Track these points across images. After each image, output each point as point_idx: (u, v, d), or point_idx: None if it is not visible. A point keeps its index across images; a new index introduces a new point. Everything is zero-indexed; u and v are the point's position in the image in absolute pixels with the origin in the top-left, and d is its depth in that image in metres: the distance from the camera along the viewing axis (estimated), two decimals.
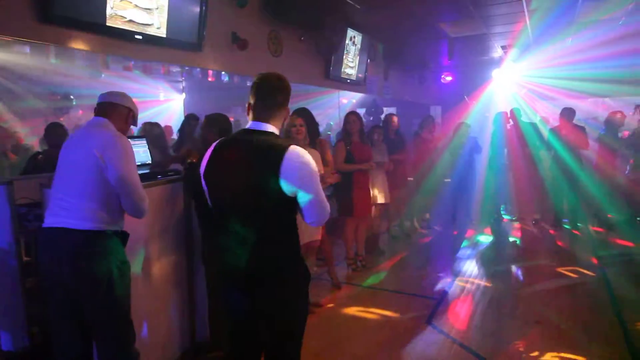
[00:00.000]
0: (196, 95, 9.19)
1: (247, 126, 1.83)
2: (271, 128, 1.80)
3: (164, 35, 3.30)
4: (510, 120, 6.19)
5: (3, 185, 2.44)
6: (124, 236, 2.08)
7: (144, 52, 3.33)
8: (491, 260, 4.91)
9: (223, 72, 6.49)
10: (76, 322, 1.96)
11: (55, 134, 3.79)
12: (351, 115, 4.55)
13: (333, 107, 9.48)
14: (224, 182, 1.79)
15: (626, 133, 6.36)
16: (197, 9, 3.54)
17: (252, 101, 1.82)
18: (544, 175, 5.83)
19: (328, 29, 5.14)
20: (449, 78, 9.10)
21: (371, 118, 8.80)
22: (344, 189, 4.30)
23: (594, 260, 4.77)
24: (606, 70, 7.34)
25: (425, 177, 5.77)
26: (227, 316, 1.92)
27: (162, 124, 6.08)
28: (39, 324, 2.51)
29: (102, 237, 1.92)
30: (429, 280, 4.30)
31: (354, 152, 4.34)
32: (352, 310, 3.67)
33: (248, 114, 1.85)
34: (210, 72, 6.83)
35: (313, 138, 3.61)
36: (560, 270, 4.54)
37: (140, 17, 3.08)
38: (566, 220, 6.13)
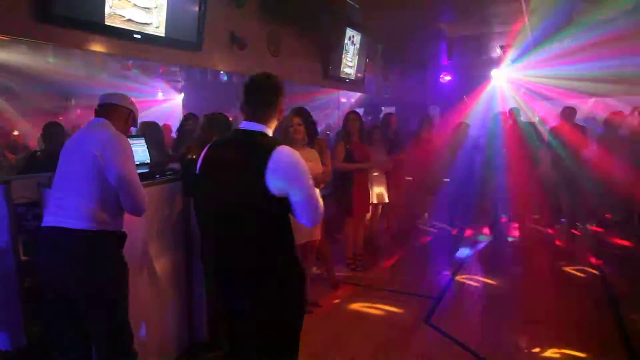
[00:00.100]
0: (195, 95, 9.18)
1: (239, 126, 1.85)
2: (262, 128, 1.80)
3: (163, 35, 3.29)
4: (509, 120, 6.20)
5: (1, 184, 2.44)
6: (121, 237, 2.07)
7: (142, 52, 3.32)
8: (490, 260, 4.91)
9: (222, 72, 6.48)
10: (74, 322, 1.96)
11: (53, 133, 3.78)
12: (351, 115, 4.56)
13: (332, 107, 9.48)
14: (215, 182, 1.82)
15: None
16: (196, 9, 3.53)
17: (243, 101, 1.84)
18: (542, 174, 5.84)
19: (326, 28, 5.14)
20: (447, 78, 9.10)
21: (370, 118, 8.80)
22: (343, 189, 4.30)
23: (593, 260, 4.78)
24: (604, 70, 7.35)
25: (424, 176, 5.77)
26: (224, 315, 1.93)
27: (161, 123, 6.08)
28: (36, 323, 2.50)
29: (99, 238, 1.92)
30: (428, 280, 4.31)
31: (354, 152, 4.34)
32: (351, 310, 3.67)
33: (242, 115, 1.87)
34: (209, 71, 6.83)
35: (311, 137, 3.61)
36: (559, 269, 4.55)
37: (139, 16, 3.07)
38: (564, 220, 6.14)
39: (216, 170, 1.82)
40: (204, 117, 3.08)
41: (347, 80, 6.17)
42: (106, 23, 2.84)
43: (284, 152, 1.70)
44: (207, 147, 1.89)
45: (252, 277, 1.76)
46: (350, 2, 4.99)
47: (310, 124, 3.62)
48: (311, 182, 1.75)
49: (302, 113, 3.58)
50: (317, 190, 3.33)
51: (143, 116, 2.69)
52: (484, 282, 4.25)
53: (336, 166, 4.29)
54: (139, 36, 3.10)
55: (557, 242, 5.56)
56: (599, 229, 5.90)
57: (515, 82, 8.95)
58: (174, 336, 2.83)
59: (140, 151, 3.00)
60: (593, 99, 8.55)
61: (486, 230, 6.07)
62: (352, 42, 5.96)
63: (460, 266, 4.70)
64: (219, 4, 3.88)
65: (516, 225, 6.26)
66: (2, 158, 5.10)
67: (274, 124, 1.86)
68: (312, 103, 7.70)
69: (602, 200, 5.71)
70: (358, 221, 4.52)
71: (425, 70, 8.62)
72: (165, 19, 3.28)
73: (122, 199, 1.96)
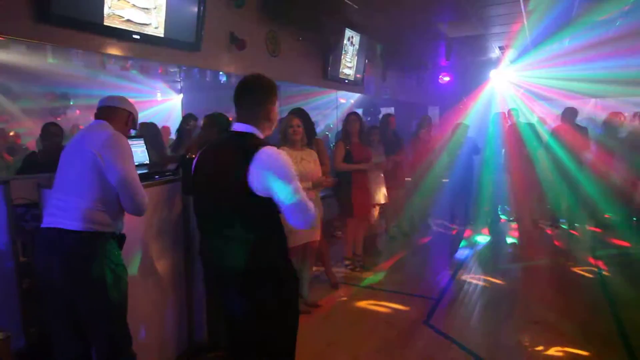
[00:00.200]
0: (194, 95, 9.18)
1: (231, 128, 1.88)
2: (250, 129, 1.81)
3: (162, 35, 3.29)
4: (508, 120, 6.21)
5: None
6: (121, 238, 2.07)
7: (141, 52, 3.32)
8: (489, 261, 4.92)
9: (221, 72, 6.48)
10: (73, 323, 1.95)
11: (51, 134, 3.78)
12: (351, 116, 4.56)
13: (331, 108, 9.48)
14: (205, 183, 1.85)
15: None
16: (195, 9, 3.53)
17: (234, 103, 1.86)
18: (541, 175, 5.85)
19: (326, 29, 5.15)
20: (446, 78, 9.12)
21: (369, 118, 8.81)
22: (344, 190, 4.30)
23: (591, 260, 4.78)
24: (603, 71, 7.37)
25: (423, 177, 5.78)
26: (221, 315, 1.95)
27: (160, 124, 6.07)
28: (35, 324, 2.49)
29: (97, 239, 1.91)
30: (427, 281, 4.31)
31: (353, 152, 4.35)
32: (350, 311, 3.66)
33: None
34: (208, 72, 6.83)
35: (310, 138, 3.61)
36: (558, 270, 4.56)
37: (138, 16, 3.07)
38: (563, 221, 6.15)
39: (206, 172, 1.85)
40: (205, 117, 3.08)
41: (346, 81, 6.17)
42: (105, 23, 2.84)
43: (267, 152, 1.70)
44: (201, 150, 1.92)
45: (241, 277, 1.77)
46: (350, 2, 4.99)
47: (309, 125, 3.63)
48: (297, 182, 1.72)
49: (301, 114, 3.59)
50: (311, 192, 3.35)
51: (142, 117, 2.69)
52: (483, 282, 4.25)
53: (336, 166, 4.30)
54: (138, 37, 3.10)
55: (556, 243, 5.57)
56: (598, 230, 5.91)
57: (514, 83, 8.98)
58: (174, 337, 2.82)
59: (139, 152, 2.99)
60: (593, 100, 8.57)
61: (485, 231, 6.08)
62: (351, 42, 5.97)
63: (459, 267, 4.70)
64: (218, 4, 3.88)
65: (515, 225, 6.27)
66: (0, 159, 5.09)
67: (265, 125, 1.85)
68: (311, 104, 7.71)
69: (601, 201, 5.71)
70: (358, 222, 4.52)
71: (424, 71, 8.63)
72: (165, 20, 3.28)
73: (122, 199, 1.95)
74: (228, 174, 1.74)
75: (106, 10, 2.82)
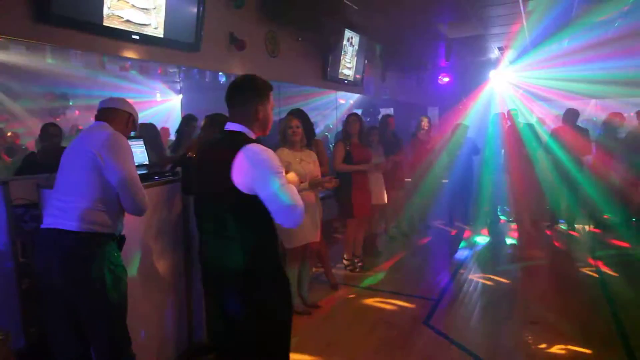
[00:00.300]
0: (194, 96, 9.16)
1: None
2: (240, 127, 1.82)
3: (162, 36, 3.29)
4: (508, 121, 6.21)
5: None
6: (120, 239, 2.07)
7: (141, 52, 3.31)
8: (488, 261, 4.92)
9: (220, 73, 6.48)
10: (72, 324, 1.95)
11: (50, 134, 3.77)
12: (351, 116, 4.57)
13: (330, 108, 9.48)
14: (199, 183, 1.89)
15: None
16: (195, 9, 3.53)
17: (226, 103, 1.89)
18: (540, 176, 5.85)
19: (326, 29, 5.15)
20: (446, 79, 9.12)
21: (368, 119, 8.81)
22: (344, 191, 4.30)
23: (591, 261, 4.79)
24: (602, 72, 7.38)
25: (423, 178, 5.78)
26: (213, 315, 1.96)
27: (159, 125, 6.06)
28: (35, 324, 2.49)
29: (96, 240, 1.91)
30: (427, 281, 4.31)
31: (353, 153, 4.35)
32: (350, 311, 3.66)
33: None
34: (208, 72, 6.82)
35: (309, 139, 3.61)
36: (558, 270, 4.56)
37: (138, 17, 3.07)
38: (563, 221, 6.15)
39: (199, 171, 1.88)
40: (205, 118, 3.09)
41: (346, 82, 6.17)
42: (105, 24, 2.83)
43: (251, 149, 1.71)
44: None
45: (231, 276, 1.79)
46: (349, 3, 4.99)
47: (308, 126, 3.63)
48: (283, 180, 1.70)
49: (300, 115, 3.58)
50: (310, 193, 3.34)
51: (141, 117, 2.68)
52: (483, 282, 4.25)
53: (336, 167, 4.29)
54: (137, 37, 3.09)
55: (556, 243, 5.57)
56: (597, 230, 5.92)
57: (514, 84, 8.98)
58: (173, 337, 2.82)
59: (138, 153, 2.99)
60: (593, 101, 8.59)
61: (485, 231, 6.08)
62: (351, 43, 5.97)
63: (459, 267, 4.70)
64: (218, 5, 3.88)
65: (514, 226, 6.28)
66: None
67: (255, 125, 1.85)
68: (310, 104, 7.70)
69: (600, 202, 5.72)
70: (358, 222, 4.52)
71: (423, 72, 8.64)
72: (164, 20, 3.28)
73: (122, 199, 1.95)
74: (215, 173, 1.76)
75: (105, 11, 2.82)
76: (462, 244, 5.58)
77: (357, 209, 4.34)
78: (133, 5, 3.01)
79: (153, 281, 2.63)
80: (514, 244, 5.65)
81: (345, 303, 3.83)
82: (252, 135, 1.83)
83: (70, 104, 7.54)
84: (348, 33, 5.80)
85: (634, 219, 5.81)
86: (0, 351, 2.16)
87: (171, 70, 7.61)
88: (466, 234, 5.99)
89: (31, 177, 2.64)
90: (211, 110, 3.16)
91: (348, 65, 6.07)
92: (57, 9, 2.55)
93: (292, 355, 2.91)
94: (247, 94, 1.85)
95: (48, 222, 1.93)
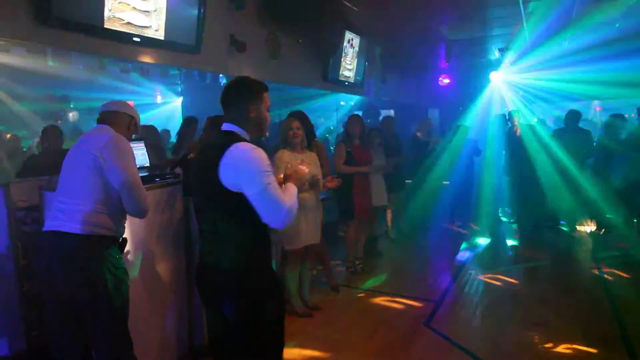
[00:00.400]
0: (194, 98, 9.17)
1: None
2: (233, 127, 1.84)
3: (162, 38, 3.29)
4: (508, 122, 6.21)
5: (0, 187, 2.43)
6: (122, 242, 2.07)
7: (142, 55, 3.32)
8: (490, 263, 4.91)
9: (221, 75, 6.49)
10: (74, 326, 1.94)
11: (51, 136, 3.78)
12: (353, 118, 4.57)
13: (331, 110, 9.49)
14: (194, 183, 1.92)
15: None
16: (195, 12, 3.54)
17: (221, 105, 1.92)
18: (542, 177, 5.85)
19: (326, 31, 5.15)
20: (446, 81, 9.12)
21: (368, 120, 8.82)
22: (345, 192, 4.30)
23: (592, 262, 4.78)
24: (603, 73, 7.37)
25: (424, 179, 5.78)
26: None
27: (160, 127, 6.05)
28: (36, 327, 2.49)
29: (98, 242, 1.90)
30: (428, 283, 4.30)
31: (354, 154, 4.34)
32: (351, 313, 3.66)
33: None
34: (209, 74, 6.83)
35: (309, 140, 3.61)
36: (559, 272, 4.55)
37: (138, 19, 3.07)
38: (564, 222, 6.14)
39: (195, 171, 1.92)
40: (207, 119, 3.09)
41: (346, 83, 6.17)
42: (105, 26, 2.84)
43: (238, 147, 1.72)
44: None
45: (219, 275, 1.81)
46: (350, 5, 5.00)
47: (308, 127, 3.63)
48: (269, 179, 1.70)
49: (300, 116, 3.58)
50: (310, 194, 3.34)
51: (142, 120, 2.69)
52: (484, 284, 4.25)
53: (337, 169, 4.29)
54: (138, 39, 3.10)
55: (557, 244, 5.56)
56: (599, 231, 5.91)
57: (514, 85, 8.98)
58: (174, 340, 2.81)
59: (139, 155, 2.99)
60: (595, 102, 8.59)
61: (486, 233, 6.07)
62: (351, 45, 5.97)
63: (460, 269, 4.69)
64: (218, 6, 3.88)
65: (515, 227, 6.27)
66: None
67: (248, 125, 1.85)
68: (311, 106, 7.70)
69: (602, 203, 5.71)
70: (359, 224, 4.51)
71: (424, 73, 8.64)
72: (165, 22, 3.28)
73: (124, 201, 1.95)
74: (205, 171, 1.79)
75: (106, 13, 2.82)
76: (463, 245, 5.57)
77: (358, 210, 4.34)
78: (134, 8, 3.02)
79: (154, 283, 2.62)
80: (515, 245, 5.64)
81: (346, 305, 3.83)
82: (245, 135, 1.84)
83: (71, 106, 7.55)
84: (348, 35, 5.80)
85: (635, 220, 5.80)
86: None
87: (172, 73, 7.62)
88: (467, 235, 5.98)
89: (32, 180, 2.64)
90: (211, 112, 3.17)
91: (348, 66, 6.07)
92: (57, 12, 2.55)
93: (293, 357, 2.91)
94: (239, 94, 1.88)
95: (50, 224, 1.93)
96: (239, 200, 1.71)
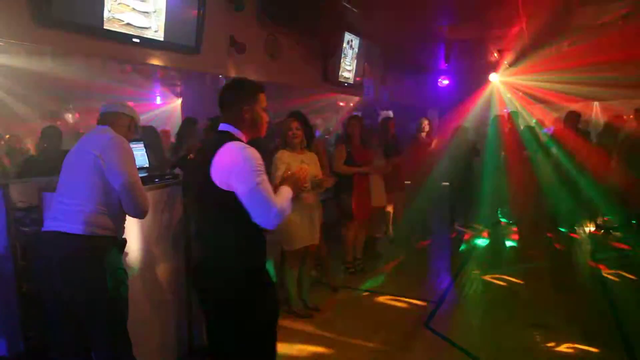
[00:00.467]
0: (193, 99, 9.17)
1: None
2: (228, 127, 1.85)
3: (162, 39, 3.30)
4: (508, 123, 6.21)
5: None
6: (122, 243, 2.06)
7: (141, 56, 3.32)
8: (489, 264, 4.91)
9: (220, 76, 6.49)
10: (72, 327, 1.94)
11: (50, 137, 3.78)
12: (353, 119, 4.57)
13: (330, 111, 9.49)
14: (192, 183, 1.99)
15: None
16: (195, 13, 3.54)
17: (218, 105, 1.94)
18: (541, 178, 5.85)
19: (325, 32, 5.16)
20: (445, 82, 9.13)
21: (367, 121, 8.81)
22: (344, 193, 4.29)
23: (591, 263, 4.78)
24: (602, 74, 7.38)
25: (423, 180, 5.77)
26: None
27: (159, 128, 6.04)
28: (34, 329, 2.48)
29: (97, 243, 1.90)
30: (427, 284, 4.30)
31: (354, 155, 4.34)
32: (350, 314, 3.65)
33: None
34: (208, 75, 6.82)
35: (308, 141, 3.61)
36: (558, 273, 4.55)
37: (138, 20, 3.07)
38: (563, 223, 6.14)
39: (191, 171, 1.99)
40: (208, 120, 3.09)
41: (346, 84, 6.18)
42: (105, 27, 2.84)
43: (230, 146, 1.73)
44: None
45: (209, 274, 1.82)
46: (349, 6, 5.01)
47: (307, 128, 3.62)
48: (260, 178, 1.69)
49: (299, 117, 3.58)
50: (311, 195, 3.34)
51: (141, 120, 2.69)
52: (483, 285, 4.24)
53: (337, 169, 4.29)
54: (137, 40, 3.10)
55: (556, 245, 5.56)
56: (597, 232, 5.91)
57: (513, 86, 8.99)
58: (174, 341, 2.81)
59: (139, 155, 2.98)
60: (594, 103, 8.59)
61: (485, 233, 6.07)
62: (351, 46, 5.98)
63: (459, 269, 4.69)
64: (218, 7, 3.89)
65: (515, 228, 6.27)
66: None
67: (243, 125, 1.86)
68: (310, 107, 7.71)
69: (601, 204, 5.72)
70: (358, 224, 4.51)
71: (423, 74, 8.65)
72: (164, 23, 3.28)
73: (123, 201, 1.95)
74: (198, 170, 1.80)
75: (106, 14, 2.82)
76: (463, 246, 5.57)
77: (357, 211, 4.34)
78: (133, 9, 3.02)
79: (153, 284, 2.62)
80: (514, 247, 5.64)
81: (345, 306, 3.82)
82: (241, 136, 1.85)
83: (70, 107, 7.54)
84: (348, 36, 5.81)
85: (634, 221, 5.81)
86: None
87: (171, 73, 7.61)
88: (466, 236, 5.98)
89: (31, 180, 2.63)
90: (211, 113, 3.17)
91: (348, 67, 6.08)
92: (57, 12, 2.55)
93: (293, 358, 2.91)
94: (233, 95, 1.89)
95: (49, 224, 1.92)
96: (231, 200, 1.70)
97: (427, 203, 6.03)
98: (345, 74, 6.05)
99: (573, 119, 5.86)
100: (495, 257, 5.21)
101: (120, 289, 1.95)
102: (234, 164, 1.70)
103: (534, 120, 7.34)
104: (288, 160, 3.30)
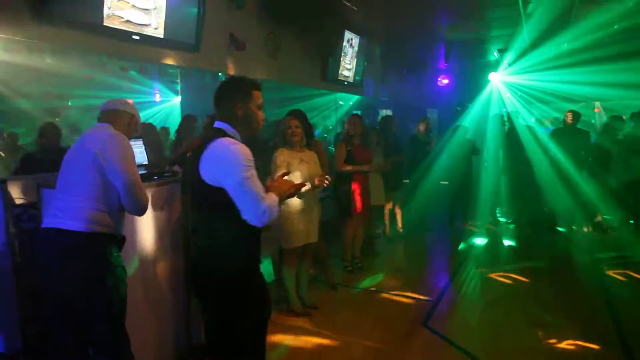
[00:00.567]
0: (193, 96, 9.16)
1: None
2: (221, 125, 1.86)
3: (162, 36, 3.29)
4: (507, 122, 6.22)
5: None
6: (121, 240, 2.07)
7: (141, 53, 3.31)
8: (487, 262, 4.92)
9: (220, 73, 6.48)
10: (71, 324, 1.94)
11: (49, 134, 3.77)
12: (353, 117, 4.57)
13: (330, 109, 9.50)
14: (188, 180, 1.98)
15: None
16: (195, 10, 3.54)
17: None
18: (539, 177, 5.86)
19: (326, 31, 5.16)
20: (445, 81, 9.14)
21: (367, 120, 8.82)
22: (344, 191, 4.30)
23: (590, 262, 4.79)
24: (601, 74, 7.39)
25: (422, 179, 5.78)
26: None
27: (159, 125, 6.04)
28: (32, 325, 2.48)
29: (96, 240, 1.90)
30: (425, 282, 4.31)
31: (355, 154, 4.35)
32: (348, 313, 3.65)
33: None
34: (208, 73, 6.81)
35: (308, 139, 3.61)
36: (556, 272, 4.56)
37: (138, 17, 3.07)
38: (562, 222, 6.16)
39: (187, 168, 1.98)
40: (208, 117, 3.09)
41: (345, 83, 6.18)
42: (105, 24, 2.83)
43: (219, 142, 1.74)
44: None
45: (204, 274, 1.84)
46: (349, 4, 5.00)
47: (307, 126, 3.62)
48: (249, 174, 1.69)
49: (299, 115, 3.58)
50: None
51: (141, 118, 2.69)
52: (481, 284, 4.25)
53: (337, 168, 4.29)
54: (137, 37, 3.09)
55: (554, 245, 5.57)
56: (596, 232, 5.92)
57: (513, 85, 9.01)
58: (172, 339, 2.81)
59: (138, 153, 2.98)
60: (594, 103, 8.60)
61: (484, 232, 6.08)
62: (351, 44, 5.98)
63: (457, 268, 4.70)
64: (218, 5, 3.88)
65: (513, 227, 6.28)
66: None
67: (237, 122, 1.86)
68: (309, 105, 7.70)
69: (599, 203, 5.73)
70: (357, 223, 4.51)
71: (423, 73, 8.66)
72: (164, 21, 3.28)
73: (123, 198, 1.95)
74: (192, 168, 1.81)
75: (106, 11, 2.82)
76: (461, 244, 5.58)
77: (356, 209, 4.34)
78: (133, 6, 3.01)
79: (152, 282, 2.62)
80: (513, 245, 5.65)
81: (344, 304, 3.83)
82: (234, 133, 1.85)
83: (69, 104, 7.53)
84: (348, 34, 5.81)
85: (631, 221, 5.82)
86: None
87: (171, 71, 7.61)
88: (465, 234, 5.99)
89: (30, 177, 2.63)
90: (210, 111, 3.16)
91: (348, 66, 6.08)
92: (57, 9, 2.55)
93: (291, 358, 2.92)
94: (226, 93, 1.90)
95: (48, 221, 1.92)
96: (221, 196, 1.70)
97: (426, 201, 6.05)
98: (345, 73, 6.05)
99: (572, 118, 5.87)
100: (493, 255, 5.22)
101: (119, 287, 1.95)
102: (221, 159, 1.70)
103: (533, 119, 7.36)
104: (287, 159, 3.30)
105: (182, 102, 9.04)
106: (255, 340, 1.93)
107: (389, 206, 5.57)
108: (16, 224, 2.49)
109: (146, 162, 3.07)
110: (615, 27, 6.40)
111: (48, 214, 1.96)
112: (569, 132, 5.85)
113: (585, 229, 6.01)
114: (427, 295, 3.97)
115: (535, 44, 7.28)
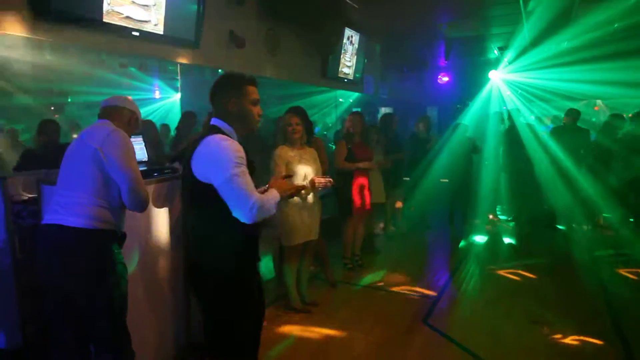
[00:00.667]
0: (193, 93, 9.15)
1: None
2: (216, 122, 1.87)
3: (161, 33, 3.28)
4: (507, 120, 6.22)
5: None
6: (121, 237, 2.06)
7: (141, 49, 3.30)
8: (487, 260, 4.93)
9: (220, 70, 6.47)
10: (72, 321, 1.94)
11: (48, 130, 3.76)
12: (354, 115, 4.56)
13: (330, 106, 9.49)
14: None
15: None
16: (195, 6, 3.53)
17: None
18: (539, 175, 5.86)
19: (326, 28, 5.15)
20: (445, 79, 9.13)
21: (367, 118, 8.81)
22: (344, 189, 4.29)
23: (589, 261, 4.80)
24: (602, 72, 7.39)
25: (422, 176, 5.78)
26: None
27: (159, 122, 6.03)
28: (33, 322, 2.48)
29: (97, 236, 1.90)
30: (426, 280, 4.31)
31: (355, 151, 4.34)
32: (349, 310, 3.66)
33: None
34: (207, 69, 6.80)
35: (308, 136, 3.60)
36: (556, 270, 4.57)
37: (138, 13, 3.06)
38: (561, 221, 6.16)
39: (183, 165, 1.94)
40: (208, 114, 3.08)
41: (345, 80, 6.17)
42: (104, 20, 2.82)
43: (211, 138, 1.74)
44: None
45: (198, 272, 1.85)
46: (349, 2, 4.99)
47: (307, 124, 3.62)
48: (238, 170, 1.67)
49: (299, 113, 3.57)
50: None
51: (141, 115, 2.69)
52: (481, 281, 4.26)
53: (338, 165, 4.29)
54: (137, 33, 3.08)
55: (554, 243, 5.58)
56: (595, 230, 5.93)
57: (513, 83, 9.00)
58: (172, 336, 2.81)
59: (137, 149, 2.98)
60: (594, 102, 8.60)
61: (484, 230, 6.08)
62: (351, 42, 5.97)
63: (458, 266, 4.70)
64: (218, 2, 3.87)
65: (513, 225, 6.29)
66: None
67: (231, 118, 1.86)
68: (309, 102, 7.70)
69: (599, 201, 5.73)
70: (357, 220, 4.52)
71: (423, 71, 8.65)
72: (164, 17, 3.27)
73: (123, 195, 1.95)
74: (185, 165, 1.82)
75: (105, 7, 2.81)
76: (461, 242, 5.58)
77: (356, 207, 4.34)
78: (133, 2, 3.00)
79: (152, 279, 2.62)
80: (513, 243, 5.66)
81: (344, 301, 3.83)
82: (229, 130, 1.84)
83: (69, 100, 7.52)
84: (348, 32, 5.79)
85: (631, 219, 5.83)
86: None
87: (170, 68, 7.60)
88: (465, 232, 5.99)
89: (30, 173, 2.62)
90: (210, 107, 3.15)
91: (348, 63, 6.07)
92: (56, 5, 2.54)
93: (291, 355, 2.92)
94: (219, 88, 1.90)
95: (49, 218, 1.92)
96: (211, 193, 1.70)
97: (426, 199, 6.05)
98: (345, 70, 6.04)
99: (572, 117, 5.87)
100: (493, 253, 5.23)
101: (120, 283, 1.95)
102: (211, 155, 1.70)
103: (533, 118, 7.35)
104: (287, 156, 3.29)
105: (181, 99, 9.03)
106: (249, 338, 1.95)
107: (398, 205, 5.58)
108: (16, 221, 2.49)
109: (146, 159, 3.07)
110: (616, 25, 6.39)
111: (48, 210, 1.95)
112: (568, 130, 5.86)
113: (585, 227, 6.01)
114: (428, 292, 3.97)
115: (535, 42, 7.26)
